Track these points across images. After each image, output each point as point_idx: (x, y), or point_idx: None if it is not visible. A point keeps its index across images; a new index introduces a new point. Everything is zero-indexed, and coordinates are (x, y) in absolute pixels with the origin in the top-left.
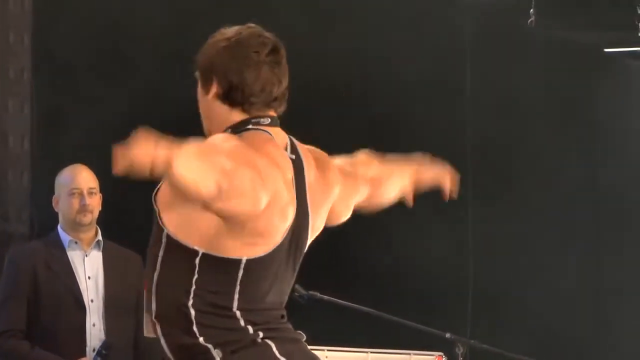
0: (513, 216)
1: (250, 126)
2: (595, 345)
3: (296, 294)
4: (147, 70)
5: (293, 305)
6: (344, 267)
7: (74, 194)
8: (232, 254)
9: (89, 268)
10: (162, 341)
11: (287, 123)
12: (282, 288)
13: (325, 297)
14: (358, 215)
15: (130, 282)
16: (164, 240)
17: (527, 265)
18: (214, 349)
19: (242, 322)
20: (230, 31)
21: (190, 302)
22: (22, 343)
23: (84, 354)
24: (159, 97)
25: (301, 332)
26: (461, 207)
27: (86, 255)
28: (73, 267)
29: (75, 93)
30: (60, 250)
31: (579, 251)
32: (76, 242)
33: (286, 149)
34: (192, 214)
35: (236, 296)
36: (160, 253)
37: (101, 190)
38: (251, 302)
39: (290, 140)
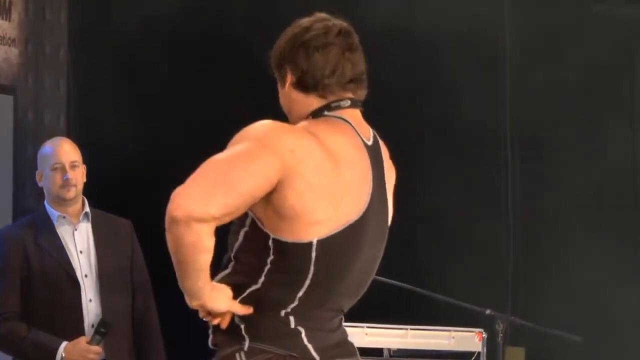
0: (555, 191)
1: (326, 112)
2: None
3: None
4: (185, 46)
5: None
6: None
7: (56, 168)
8: (299, 238)
9: (79, 242)
10: None
11: None
12: (361, 277)
13: None
14: (398, 193)
15: (122, 252)
16: (248, 219)
17: (569, 241)
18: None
19: (289, 318)
20: (297, 22)
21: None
22: (18, 325)
23: (82, 332)
24: (199, 74)
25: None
26: (502, 182)
27: (75, 229)
28: (63, 242)
29: (111, 70)
30: (48, 226)
31: (622, 228)
32: (64, 217)
33: (363, 135)
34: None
35: (306, 283)
36: (245, 229)
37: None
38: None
39: (371, 130)
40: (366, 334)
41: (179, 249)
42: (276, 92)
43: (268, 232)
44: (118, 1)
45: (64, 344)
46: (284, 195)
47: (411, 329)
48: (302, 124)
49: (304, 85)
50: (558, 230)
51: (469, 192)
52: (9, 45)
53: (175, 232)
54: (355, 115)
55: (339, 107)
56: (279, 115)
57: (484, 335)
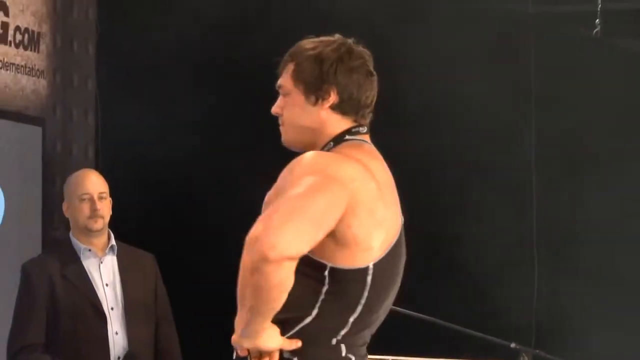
0: (581, 219)
1: (348, 136)
2: None
3: None
4: (214, 77)
5: None
6: (405, 274)
7: (84, 199)
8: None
9: (105, 275)
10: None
11: None
12: (390, 296)
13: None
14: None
15: (147, 286)
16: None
17: (595, 271)
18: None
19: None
20: (329, 42)
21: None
22: (43, 357)
23: None
24: (229, 105)
25: None
26: (526, 213)
27: (101, 262)
28: (89, 275)
29: (139, 102)
30: (74, 258)
31: None
32: (90, 250)
33: None
34: None
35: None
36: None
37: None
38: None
39: None
40: None
41: (265, 289)
42: None
43: (324, 262)
44: (146, 33)
45: None
46: (347, 223)
47: None
48: (341, 150)
49: (346, 108)
50: (584, 259)
51: (492, 224)
52: (37, 77)
53: (266, 271)
54: (367, 137)
55: (358, 132)
56: None
57: None
